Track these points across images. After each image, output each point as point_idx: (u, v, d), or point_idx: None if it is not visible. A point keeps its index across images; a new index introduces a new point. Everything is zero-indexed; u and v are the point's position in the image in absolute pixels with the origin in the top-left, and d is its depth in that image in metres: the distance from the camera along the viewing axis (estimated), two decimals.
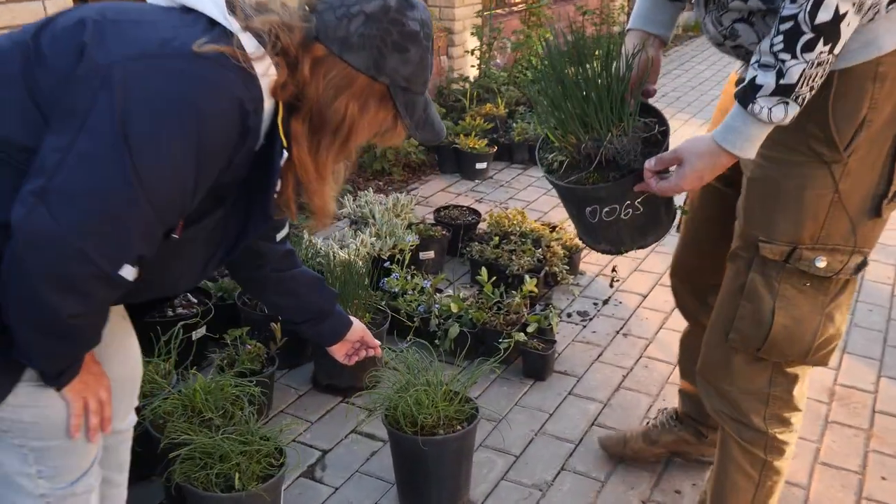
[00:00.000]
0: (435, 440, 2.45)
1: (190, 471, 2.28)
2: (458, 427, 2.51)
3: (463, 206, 4.62)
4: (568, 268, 4.04)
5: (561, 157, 1.90)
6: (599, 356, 3.51)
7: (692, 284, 2.43)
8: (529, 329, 3.34)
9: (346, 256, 3.46)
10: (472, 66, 6.78)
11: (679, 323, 2.73)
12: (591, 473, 2.79)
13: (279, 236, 2.07)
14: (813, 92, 1.50)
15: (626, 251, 1.91)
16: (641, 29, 1.95)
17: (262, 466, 2.34)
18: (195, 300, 3.34)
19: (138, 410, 2.01)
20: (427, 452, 2.46)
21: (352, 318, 2.26)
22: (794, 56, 1.43)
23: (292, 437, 2.91)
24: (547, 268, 3.96)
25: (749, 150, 1.59)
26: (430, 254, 4.14)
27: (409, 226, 4.16)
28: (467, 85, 6.48)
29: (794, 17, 1.41)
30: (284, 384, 3.22)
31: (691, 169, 1.66)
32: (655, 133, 1.83)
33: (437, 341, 3.36)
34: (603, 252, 1.93)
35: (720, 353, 1.98)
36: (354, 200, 4.33)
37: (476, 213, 4.53)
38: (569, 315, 3.84)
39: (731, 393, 2.00)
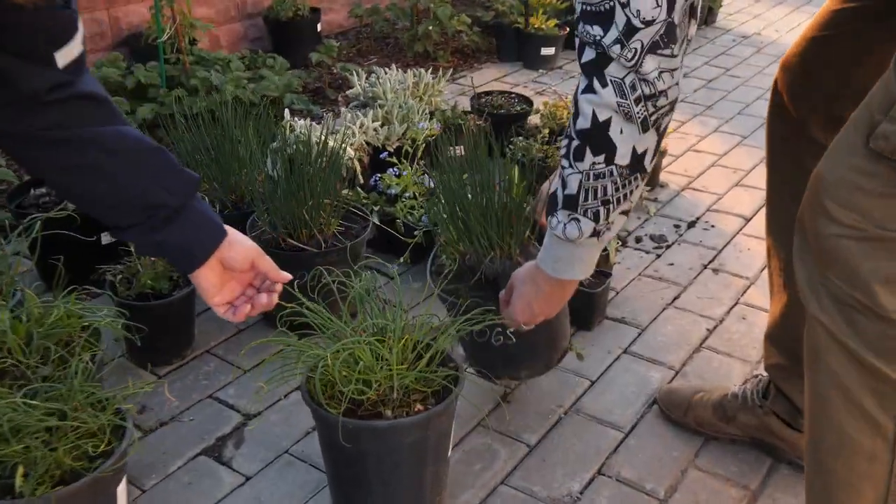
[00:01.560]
0: (374, 428, 1.48)
1: None
2: (420, 406, 1.53)
3: (511, 93, 3.54)
4: None
5: (449, 260, 1.87)
6: (676, 299, 2.45)
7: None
8: None
9: (333, 144, 2.45)
10: None
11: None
12: (643, 484, 1.78)
13: (61, 57, 1.11)
14: (618, 209, 1.33)
15: (499, 379, 1.93)
16: None
17: (80, 454, 1.42)
18: None
19: None
20: (359, 447, 1.49)
21: (232, 230, 1.30)
22: (570, 163, 1.30)
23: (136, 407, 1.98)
24: None
25: (567, 270, 1.43)
26: (458, 150, 3.10)
27: (432, 113, 3.13)
28: None
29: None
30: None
31: (518, 295, 1.55)
32: None
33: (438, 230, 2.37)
34: (477, 373, 1.88)
35: None
36: (367, 79, 3.31)
37: (527, 101, 3.46)
38: (638, 240, 2.78)
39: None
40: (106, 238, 2.36)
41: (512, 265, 1.80)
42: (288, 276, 1.34)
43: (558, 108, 3.14)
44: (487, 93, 3.56)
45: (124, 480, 1.49)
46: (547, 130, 3.01)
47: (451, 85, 4.17)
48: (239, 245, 1.29)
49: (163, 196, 1.20)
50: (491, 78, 4.30)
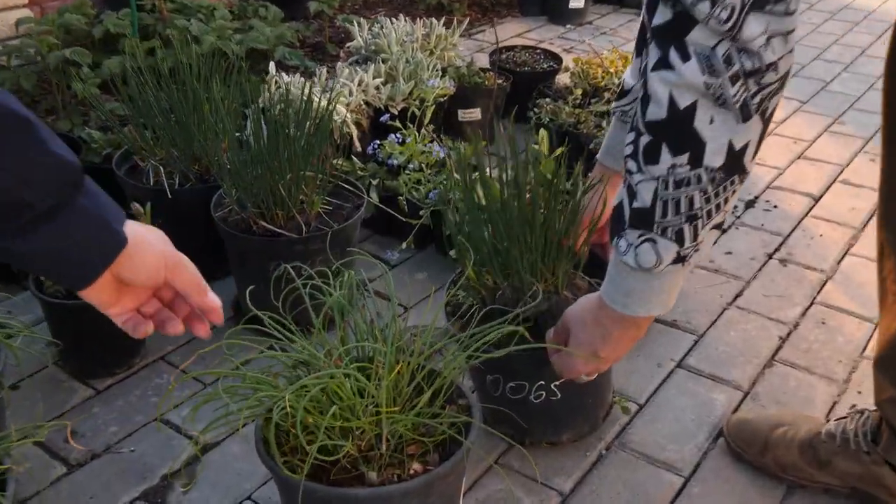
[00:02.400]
0: (352, 498, 1.05)
1: None
2: (417, 466, 1.11)
3: (536, 49, 3.08)
4: None
5: (471, 297, 1.48)
6: (738, 297, 2.01)
7: None
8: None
9: (319, 102, 2.00)
10: None
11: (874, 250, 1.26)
12: None
13: None
14: (708, 225, 1.02)
15: (531, 445, 1.53)
16: (602, 163, 1.52)
17: None
18: None
19: None
20: None
21: (140, 232, 0.85)
22: (639, 167, 1.01)
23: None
24: None
25: (642, 306, 1.13)
26: (474, 112, 2.66)
27: (445, 70, 2.67)
28: None
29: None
30: None
31: (578, 340, 1.23)
32: None
33: (454, 253, 1.94)
34: (504, 436, 1.41)
35: None
36: (370, 30, 2.86)
37: (555, 58, 3.00)
38: None
39: None
40: None
41: (560, 302, 1.42)
42: (216, 302, 0.90)
43: (592, 65, 2.68)
44: (509, 48, 3.10)
45: None
46: (580, 91, 2.55)
47: (468, 41, 3.71)
48: (144, 256, 0.85)
49: (22, 193, 0.77)
50: (512, 34, 3.83)
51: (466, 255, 1.44)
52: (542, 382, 1.43)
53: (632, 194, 1.04)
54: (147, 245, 0.85)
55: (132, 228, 0.83)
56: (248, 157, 1.71)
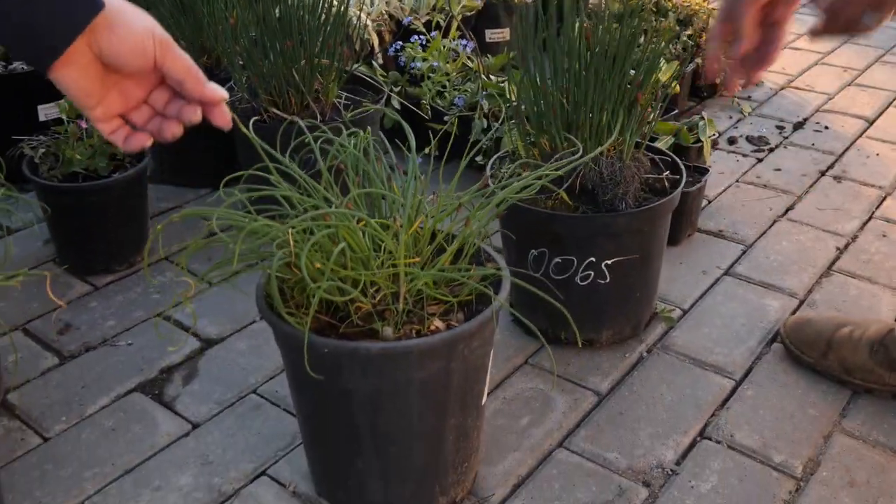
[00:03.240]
0: (363, 352, 0.91)
1: None
2: (438, 323, 0.97)
3: None
4: None
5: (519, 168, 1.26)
6: (789, 211, 1.85)
7: None
8: (659, 144, 1.70)
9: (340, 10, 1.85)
10: None
11: None
12: (769, 454, 1.21)
13: None
14: None
15: (563, 341, 1.40)
16: None
17: None
18: None
19: None
20: (340, 384, 0.94)
21: (121, 4, 0.72)
22: None
23: None
24: (699, 61, 2.28)
25: None
26: (503, 32, 2.51)
27: None
28: None
29: None
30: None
31: None
32: (663, 178, 1.36)
33: (480, 158, 1.80)
34: (539, 327, 1.19)
35: None
36: None
37: None
38: (731, 141, 2.17)
39: None
40: (45, 113, 1.81)
41: (624, 168, 1.29)
42: (219, 93, 0.76)
43: None
44: None
45: None
46: (618, 5, 2.39)
47: None
48: (129, 27, 0.71)
49: None
50: None
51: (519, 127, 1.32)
52: (592, 259, 1.29)
53: None
54: (132, 15, 0.72)
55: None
56: (259, 35, 1.57)
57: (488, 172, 1.37)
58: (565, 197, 1.28)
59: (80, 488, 1.15)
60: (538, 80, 1.31)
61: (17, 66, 1.80)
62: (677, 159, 1.41)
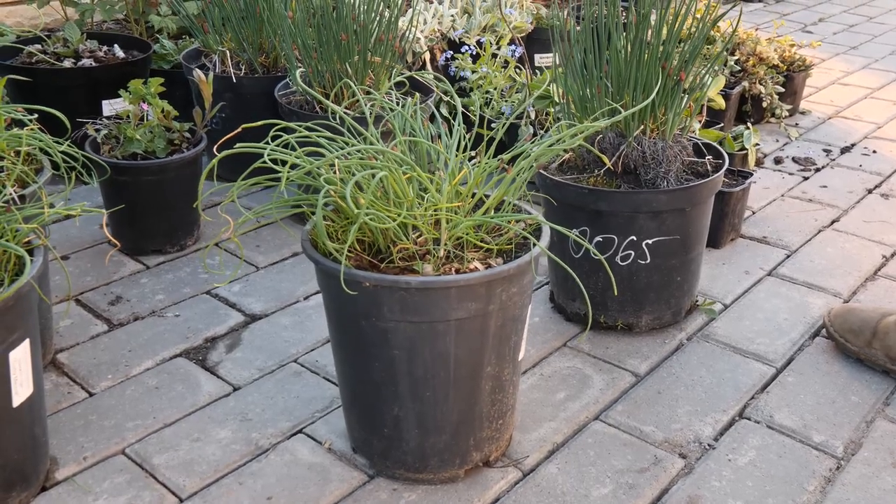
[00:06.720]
0: (402, 286, 0.94)
1: None
2: (477, 264, 0.99)
3: None
4: (784, 90, 2.36)
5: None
6: (834, 222, 1.84)
7: None
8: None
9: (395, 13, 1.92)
10: None
11: None
12: (809, 434, 1.19)
13: None
14: None
15: (605, 325, 1.40)
16: None
17: None
18: (102, 47, 1.99)
19: None
20: (378, 322, 0.96)
21: None
22: None
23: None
24: (746, 85, 2.30)
25: None
26: (552, 58, 2.56)
27: (523, 5, 2.59)
28: None
29: None
30: (229, 205, 1.79)
31: None
32: (706, 162, 1.39)
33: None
34: (578, 313, 1.39)
35: None
36: None
37: None
38: (777, 161, 2.17)
39: None
40: (110, 108, 1.90)
41: (666, 147, 1.32)
42: None
43: None
44: None
45: (25, 345, 0.99)
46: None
47: None
48: None
49: None
50: None
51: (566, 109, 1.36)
52: (633, 238, 1.30)
53: None
54: None
55: None
56: (315, 30, 1.63)
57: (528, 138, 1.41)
58: (604, 159, 1.30)
59: (122, 437, 1.17)
60: (584, 62, 1.34)
61: (86, 61, 1.90)
62: (720, 147, 1.43)
